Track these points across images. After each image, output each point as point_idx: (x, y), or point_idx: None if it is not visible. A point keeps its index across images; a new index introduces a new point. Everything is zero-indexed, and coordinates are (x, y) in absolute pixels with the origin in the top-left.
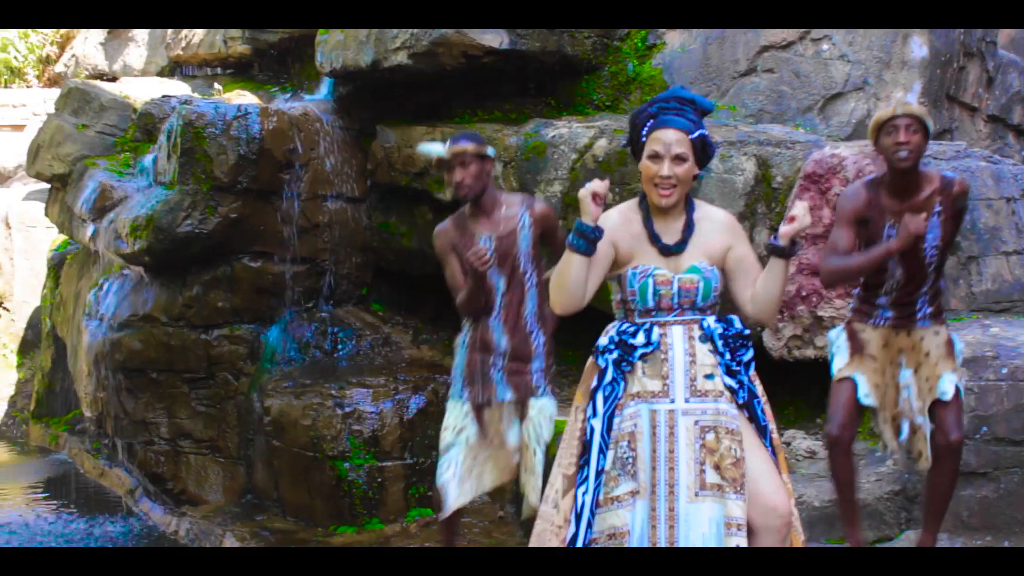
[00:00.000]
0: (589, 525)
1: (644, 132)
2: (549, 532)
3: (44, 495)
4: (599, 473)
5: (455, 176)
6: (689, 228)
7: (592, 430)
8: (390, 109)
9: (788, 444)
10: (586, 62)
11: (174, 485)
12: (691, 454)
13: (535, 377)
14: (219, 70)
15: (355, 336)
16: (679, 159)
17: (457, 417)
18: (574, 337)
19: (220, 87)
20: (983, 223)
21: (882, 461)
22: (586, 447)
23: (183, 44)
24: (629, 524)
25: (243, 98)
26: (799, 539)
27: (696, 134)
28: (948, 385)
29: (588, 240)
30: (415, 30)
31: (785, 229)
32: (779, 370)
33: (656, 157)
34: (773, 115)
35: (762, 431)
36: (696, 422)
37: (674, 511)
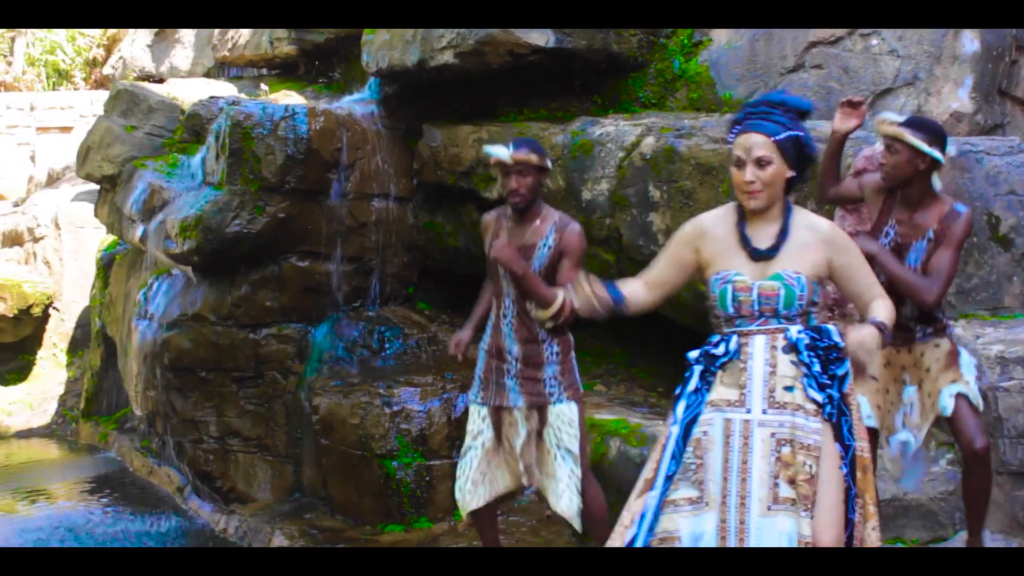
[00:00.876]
0: (651, 529)
1: (731, 138)
2: (617, 533)
3: (94, 493)
4: (668, 478)
5: (511, 183)
6: (784, 234)
7: (670, 435)
8: (436, 108)
9: None
10: (632, 60)
11: (223, 483)
12: (766, 467)
13: (548, 384)
14: (265, 71)
15: (402, 335)
16: (761, 163)
17: (475, 421)
18: (618, 337)
19: (267, 88)
20: None
21: (935, 461)
22: (663, 453)
23: (229, 45)
24: (681, 530)
25: (290, 98)
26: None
27: (782, 135)
28: (948, 399)
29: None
30: (461, 29)
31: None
32: None
33: (739, 163)
34: (822, 111)
35: (845, 449)
36: (772, 434)
37: (744, 524)
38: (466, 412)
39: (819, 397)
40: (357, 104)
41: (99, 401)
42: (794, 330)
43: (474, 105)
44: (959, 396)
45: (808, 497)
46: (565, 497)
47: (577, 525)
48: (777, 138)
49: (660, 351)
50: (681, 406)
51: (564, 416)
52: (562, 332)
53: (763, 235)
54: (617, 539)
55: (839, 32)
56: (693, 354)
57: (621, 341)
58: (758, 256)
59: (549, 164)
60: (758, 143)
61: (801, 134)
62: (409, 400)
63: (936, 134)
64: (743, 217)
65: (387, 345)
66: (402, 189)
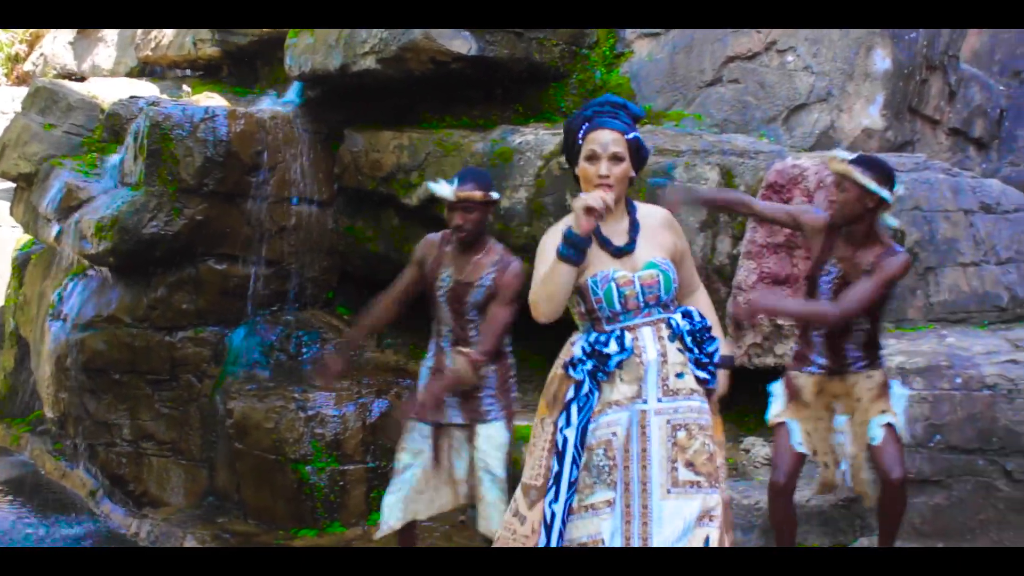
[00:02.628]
0: (560, 535)
1: (580, 135)
2: (513, 543)
3: (5, 496)
4: (572, 483)
5: (456, 219)
6: (635, 227)
7: (565, 440)
8: (358, 113)
9: (747, 451)
10: (554, 70)
11: (136, 487)
12: (664, 453)
13: (485, 402)
14: (188, 72)
15: (320, 339)
16: (616, 158)
17: (416, 440)
18: (540, 343)
19: (189, 89)
20: (941, 235)
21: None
22: (558, 458)
23: (152, 45)
24: (603, 532)
25: (212, 100)
26: (728, 539)
27: (631, 135)
28: (877, 430)
29: (578, 250)
30: (384, 35)
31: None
32: (739, 378)
33: (594, 158)
34: (738, 125)
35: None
36: (668, 421)
37: (647, 508)
38: (381, 417)
39: (703, 375)
40: (279, 107)
41: (11, 403)
42: (677, 317)
43: (396, 111)
44: (887, 426)
45: (712, 474)
46: (494, 520)
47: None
48: (628, 136)
49: None
50: (574, 410)
51: (494, 440)
52: (501, 354)
53: (616, 232)
54: (524, 536)
55: (756, 47)
56: (576, 352)
57: (536, 348)
58: (619, 253)
59: (495, 196)
60: (613, 139)
61: (640, 136)
62: (324, 405)
63: (885, 173)
64: None
65: (304, 349)
66: (323, 193)
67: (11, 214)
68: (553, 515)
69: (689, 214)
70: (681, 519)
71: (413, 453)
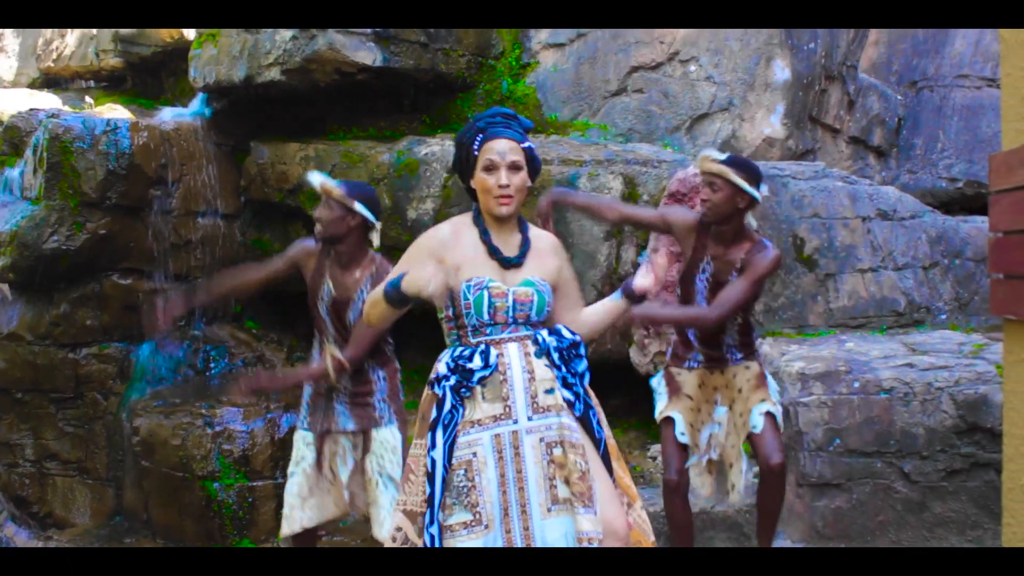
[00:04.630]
0: None
1: (476, 146)
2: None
3: None
4: (440, 504)
5: (316, 212)
6: (526, 243)
7: (434, 463)
8: (264, 125)
9: (654, 459)
10: (460, 80)
11: (40, 508)
12: (540, 471)
13: (377, 408)
14: (91, 83)
15: (228, 354)
16: (514, 167)
17: (300, 447)
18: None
19: (91, 100)
20: (840, 241)
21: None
22: (430, 481)
23: (54, 56)
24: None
25: (114, 112)
26: (648, 541)
27: (527, 144)
28: (758, 418)
29: (400, 301)
30: (288, 46)
31: (643, 284)
32: (644, 386)
33: (492, 168)
34: (643, 134)
35: (597, 443)
36: (541, 439)
37: (529, 530)
38: (290, 433)
39: (568, 395)
40: (184, 119)
41: None
42: (544, 333)
43: (303, 122)
44: (767, 415)
45: (584, 493)
46: (387, 524)
47: None
48: (524, 145)
49: None
50: (439, 433)
51: (388, 443)
52: (387, 359)
53: (507, 244)
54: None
55: (659, 57)
56: (440, 371)
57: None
58: (508, 264)
59: (357, 206)
60: (511, 147)
61: (533, 146)
62: (231, 420)
63: (755, 173)
64: (486, 228)
65: (213, 364)
66: (229, 206)
67: None
68: (432, 538)
69: (591, 223)
70: (562, 539)
71: (295, 461)
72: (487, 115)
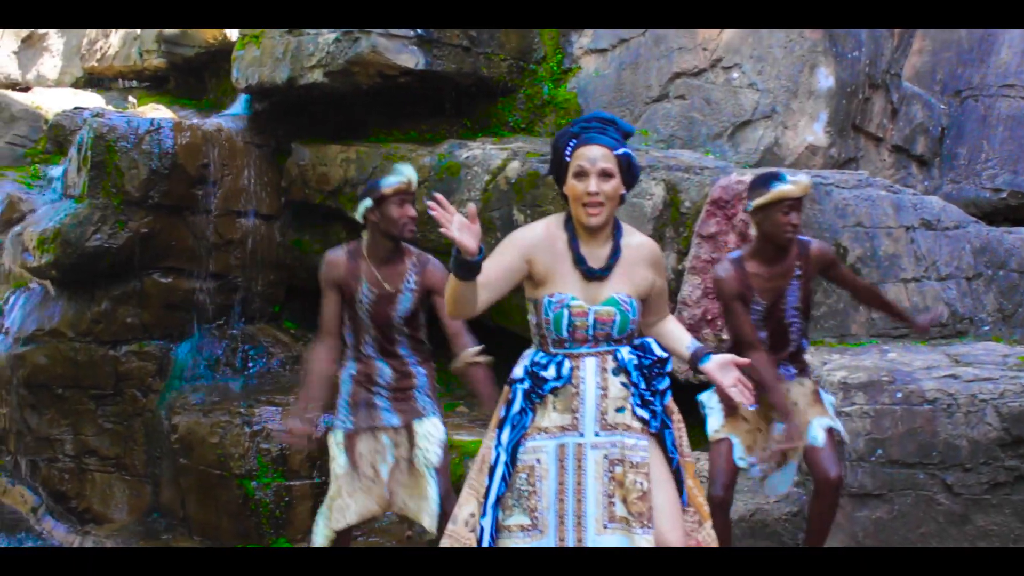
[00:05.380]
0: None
1: (568, 152)
2: (455, 543)
3: None
4: (498, 500)
5: (408, 211)
6: (615, 253)
7: (497, 458)
8: (306, 127)
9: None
10: (502, 84)
11: (78, 503)
12: (600, 487)
13: (419, 400)
14: (134, 83)
15: (266, 354)
16: (605, 175)
17: (331, 448)
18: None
19: (135, 100)
20: (883, 251)
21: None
22: (490, 474)
23: (98, 56)
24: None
25: (157, 112)
26: None
27: (621, 151)
28: (818, 431)
29: (466, 269)
30: (331, 48)
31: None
32: (685, 392)
33: (582, 174)
34: (684, 141)
35: (669, 461)
36: (605, 456)
37: (582, 543)
38: (327, 433)
39: (644, 414)
40: (226, 120)
41: None
42: (624, 351)
43: (344, 124)
44: (828, 430)
45: (643, 514)
46: (437, 516)
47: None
48: (617, 152)
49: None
50: (506, 431)
51: (432, 435)
52: (426, 357)
53: (595, 254)
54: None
55: (702, 64)
56: (519, 372)
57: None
58: (591, 276)
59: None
60: (603, 154)
61: (631, 152)
62: (270, 420)
63: None
64: (575, 234)
65: (251, 364)
66: (269, 207)
67: None
68: (482, 530)
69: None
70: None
71: (331, 459)
72: (583, 120)
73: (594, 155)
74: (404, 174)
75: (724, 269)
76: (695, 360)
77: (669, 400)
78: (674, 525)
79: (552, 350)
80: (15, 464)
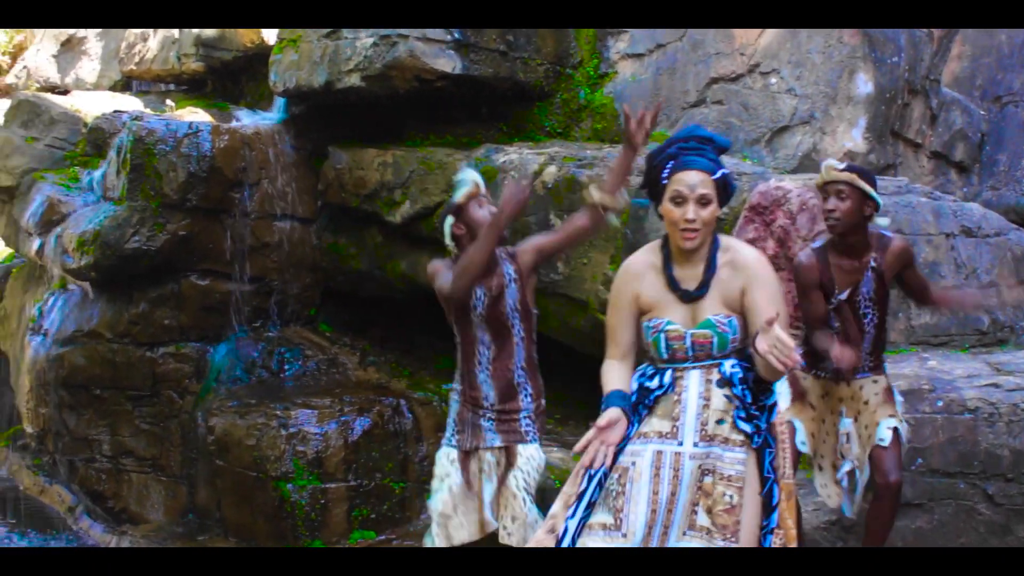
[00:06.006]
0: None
1: (665, 174)
2: (538, 541)
3: None
4: (589, 504)
5: (490, 209)
6: (710, 270)
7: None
8: (343, 130)
9: None
10: (538, 89)
11: (115, 503)
12: (689, 496)
13: (523, 423)
14: (172, 86)
15: (302, 357)
16: (704, 201)
17: (444, 465)
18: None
19: (172, 104)
20: (923, 258)
21: (815, 492)
22: (588, 478)
23: (136, 59)
24: None
25: (195, 115)
26: None
27: (719, 174)
28: (886, 432)
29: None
30: (369, 52)
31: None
32: None
33: (680, 200)
34: None
35: (763, 482)
36: (700, 465)
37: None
38: (363, 435)
39: (748, 428)
40: (263, 123)
41: None
42: (728, 364)
43: (381, 128)
44: (895, 431)
45: (727, 527)
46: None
47: None
48: (715, 176)
49: (557, 379)
50: None
51: (534, 461)
52: (535, 377)
53: (690, 275)
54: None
55: (740, 69)
56: (632, 385)
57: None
58: (688, 299)
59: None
60: (701, 181)
61: (728, 171)
62: (306, 422)
63: (873, 180)
64: (669, 257)
65: (287, 366)
66: (306, 210)
67: None
68: (565, 530)
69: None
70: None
71: (440, 477)
72: (680, 138)
73: (693, 181)
74: (468, 179)
75: (806, 256)
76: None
77: (776, 417)
78: (746, 544)
79: (659, 365)
80: (53, 464)
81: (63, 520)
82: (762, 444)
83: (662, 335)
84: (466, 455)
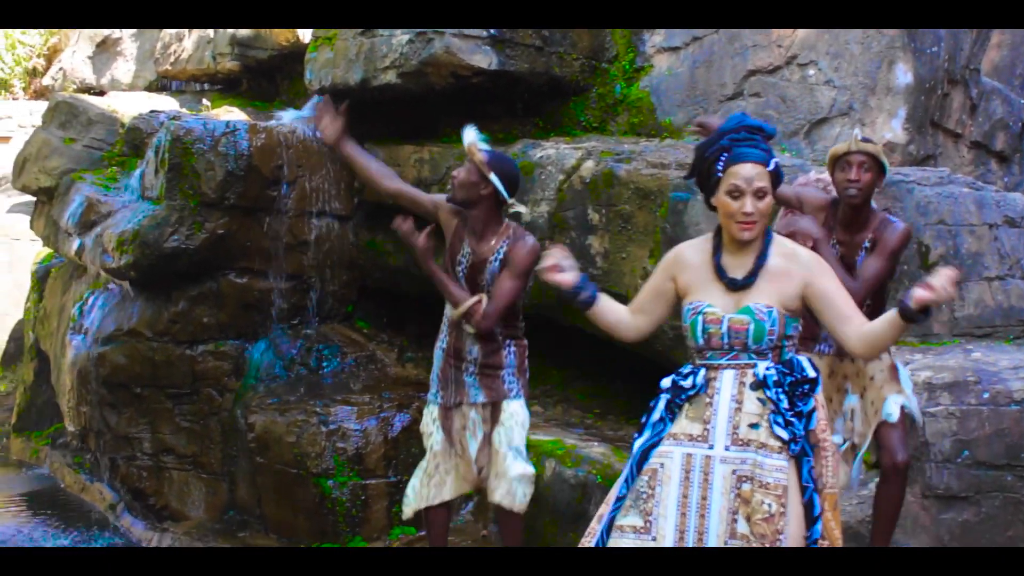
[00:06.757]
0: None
1: (720, 167)
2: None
3: (25, 509)
4: (618, 500)
5: (455, 171)
6: (760, 262)
7: (630, 460)
8: (378, 127)
9: None
10: (574, 84)
11: (156, 500)
12: (725, 503)
13: (507, 381)
14: (207, 86)
15: (340, 353)
16: (760, 194)
17: (427, 424)
18: (555, 359)
19: (208, 103)
20: (966, 249)
21: (864, 485)
22: (625, 483)
23: (172, 59)
24: None
25: (231, 114)
26: None
27: (773, 165)
28: (893, 407)
29: (578, 302)
30: (404, 50)
31: (921, 296)
32: None
33: (737, 193)
34: None
35: (803, 490)
36: (734, 471)
37: None
38: (403, 431)
39: (784, 434)
40: (299, 121)
41: (31, 416)
42: (762, 366)
43: (416, 125)
44: (900, 408)
45: (765, 536)
46: (518, 494)
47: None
48: (770, 168)
49: (596, 373)
50: (643, 437)
51: (518, 416)
52: (519, 334)
53: (740, 264)
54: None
55: (777, 61)
56: (665, 383)
57: (558, 362)
58: (734, 287)
59: (493, 178)
60: (758, 174)
61: (779, 161)
62: (346, 419)
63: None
64: (719, 247)
65: (325, 363)
66: (343, 207)
67: (32, 228)
68: (601, 531)
69: (708, 228)
70: None
71: (425, 436)
72: (731, 128)
73: (750, 175)
74: (464, 137)
75: (812, 223)
76: (903, 307)
77: (816, 426)
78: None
79: (696, 362)
80: (95, 461)
81: (104, 518)
82: (800, 452)
83: (699, 317)
84: (448, 411)
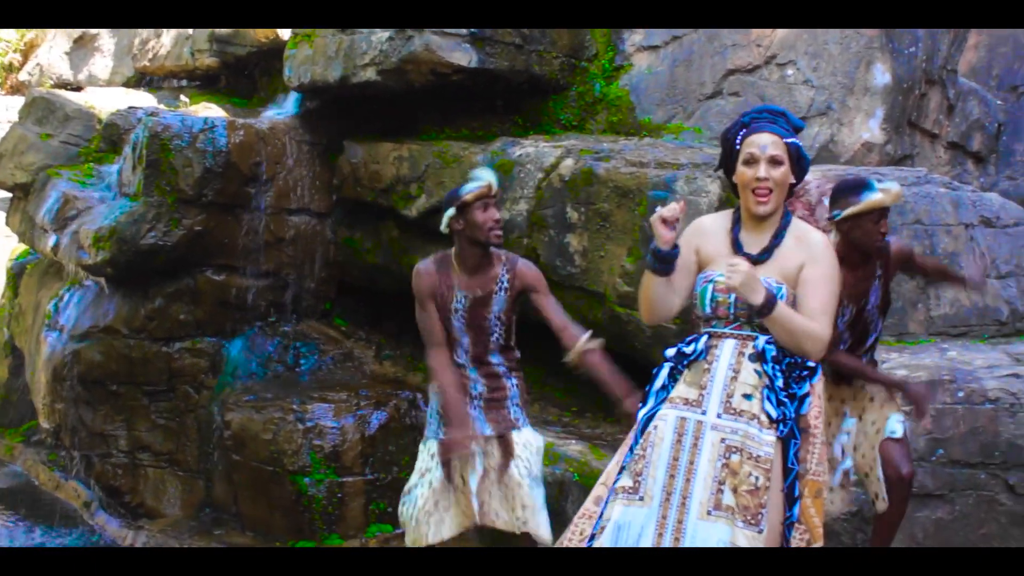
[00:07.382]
0: (600, 515)
1: (738, 140)
2: (582, 515)
3: None
4: (621, 470)
5: (492, 214)
6: (776, 240)
7: (635, 430)
8: (358, 124)
9: None
10: (554, 82)
11: (131, 498)
12: (711, 471)
13: (512, 411)
14: (186, 82)
15: (318, 351)
16: (775, 161)
17: (424, 459)
18: (532, 356)
19: (187, 99)
20: (942, 248)
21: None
22: (630, 450)
23: (150, 55)
24: (612, 517)
25: (210, 111)
26: None
27: (790, 139)
28: (896, 424)
29: (662, 262)
30: (384, 47)
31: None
32: None
33: (752, 161)
34: None
35: (786, 472)
36: (723, 440)
37: (682, 524)
38: (380, 429)
39: (773, 413)
40: (278, 118)
41: (5, 413)
42: (763, 340)
43: (396, 122)
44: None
45: (748, 508)
46: (542, 525)
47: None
48: (787, 140)
49: (583, 378)
50: (647, 405)
51: (531, 445)
52: (517, 366)
53: (756, 241)
54: (584, 522)
55: (756, 60)
56: (669, 352)
57: (535, 360)
58: (750, 261)
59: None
60: (772, 141)
61: (801, 144)
62: (323, 416)
63: None
64: (738, 221)
65: (302, 361)
66: (321, 204)
67: (7, 224)
68: (607, 500)
69: None
70: (714, 545)
71: (419, 472)
72: (754, 111)
73: (764, 141)
74: (484, 178)
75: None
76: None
77: (808, 411)
78: (767, 539)
79: (701, 330)
80: (69, 459)
81: (79, 515)
82: (788, 434)
83: (709, 286)
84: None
